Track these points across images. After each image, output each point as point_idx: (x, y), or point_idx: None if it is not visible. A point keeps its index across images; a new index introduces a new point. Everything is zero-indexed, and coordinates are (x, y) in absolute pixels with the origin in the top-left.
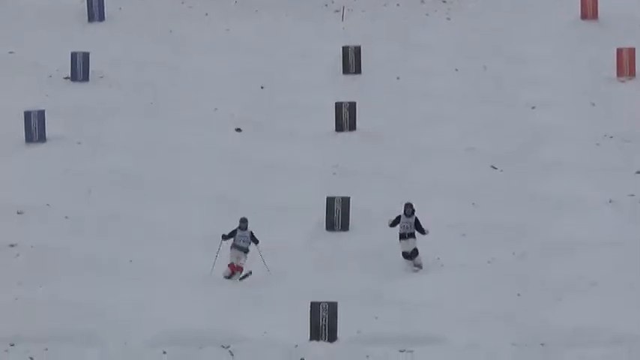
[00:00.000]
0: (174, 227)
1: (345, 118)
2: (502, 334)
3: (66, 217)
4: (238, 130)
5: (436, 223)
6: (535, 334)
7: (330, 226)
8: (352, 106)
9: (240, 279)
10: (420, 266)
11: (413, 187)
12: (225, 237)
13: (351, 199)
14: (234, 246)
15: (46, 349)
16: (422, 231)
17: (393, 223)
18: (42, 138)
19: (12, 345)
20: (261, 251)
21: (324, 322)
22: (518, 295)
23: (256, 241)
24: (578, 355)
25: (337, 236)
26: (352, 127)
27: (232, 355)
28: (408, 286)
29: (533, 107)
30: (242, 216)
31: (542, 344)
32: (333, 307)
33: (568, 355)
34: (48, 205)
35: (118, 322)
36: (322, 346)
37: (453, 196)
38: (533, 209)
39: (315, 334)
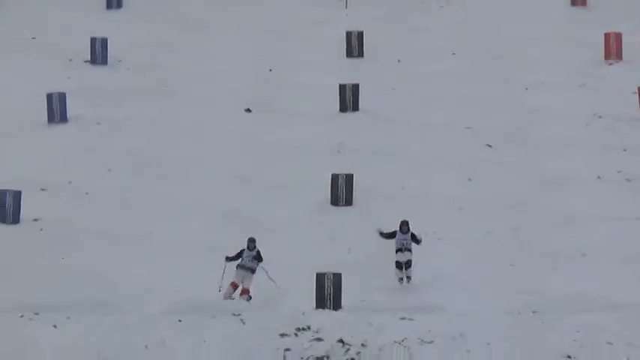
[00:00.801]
0: (189, 202)
1: (349, 98)
2: (498, 303)
3: (86, 193)
4: (248, 110)
5: (435, 198)
6: (529, 302)
7: (335, 201)
8: (355, 88)
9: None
10: (410, 278)
11: (413, 164)
12: (228, 259)
13: (354, 176)
14: (240, 266)
15: (69, 318)
16: (417, 242)
17: (388, 236)
18: (63, 118)
19: (36, 314)
20: (266, 268)
21: (329, 292)
22: (512, 265)
23: (261, 259)
24: (570, 321)
25: (341, 211)
26: (355, 107)
27: (243, 323)
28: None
29: (526, 88)
30: (250, 236)
31: (534, 312)
32: (337, 278)
33: (560, 321)
34: (70, 182)
35: (136, 291)
36: (327, 314)
37: (451, 173)
38: (527, 185)
39: (321, 303)
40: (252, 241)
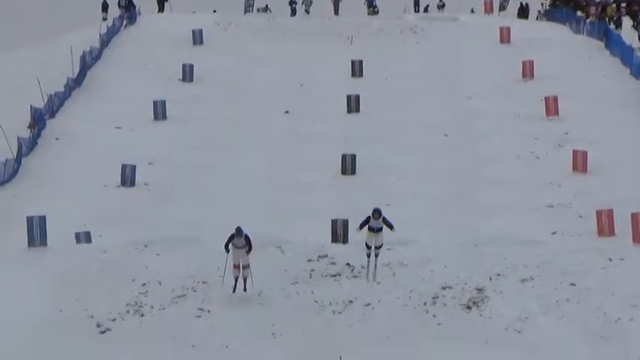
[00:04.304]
0: (247, 171)
1: (353, 104)
2: (451, 238)
3: (179, 166)
4: (287, 112)
5: (411, 171)
6: (472, 238)
7: (344, 171)
8: (357, 97)
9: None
10: (377, 255)
11: (395, 147)
12: (227, 249)
13: (357, 155)
14: (234, 246)
15: (167, 249)
16: (390, 226)
17: (362, 225)
18: (164, 117)
19: (145, 246)
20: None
21: (340, 231)
22: (460, 213)
23: (250, 247)
24: (499, 251)
25: (349, 178)
26: (357, 110)
27: (283, 252)
28: (393, 208)
29: (469, 98)
30: (238, 226)
31: (476, 245)
32: (345, 222)
33: (492, 251)
34: (168, 158)
35: (213, 231)
36: (339, 246)
37: (420, 154)
38: (469, 160)
39: (335, 239)
40: (239, 232)
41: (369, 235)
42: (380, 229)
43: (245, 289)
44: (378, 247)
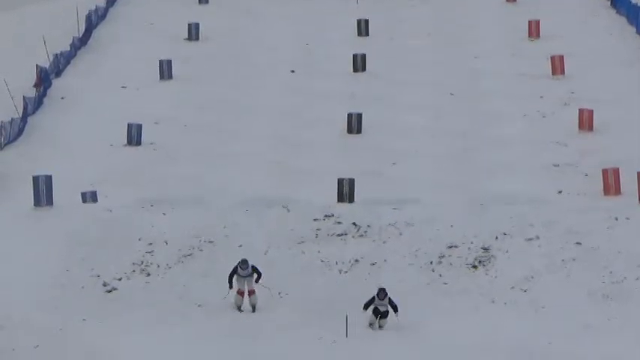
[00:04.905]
0: (252, 130)
1: (359, 63)
2: (457, 197)
3: (185, 125)
4: (292, 71)
5: (417, 129)
6: (477, 197)
7: (350, 130)
8: (363, 56)
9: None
10: (381, 327)
11: (401, 106)
12: (230, 280)
13: (362, 114)
14: (239, 276)
15: (173, 208)
16: (395, 308)
17: (366, 305)
18: (170, 76)
19: (151, 205)
20: (262, 283)
21: (346, 190)
22: (466, 172)
23: (259, 274)
24: (503, 210)
25: (354, 137)
26: (363, 69)
27: (289, 211)
28: (398, 166)
29: (476, 57)
30: (243, 258)
31: (481, 204)
32: (351, 181)
33: (498, 209)
34: (173, 118)
35: (217, 190)
36: (345, 205)
37: (425, 112)
38: (475, 119)
39: (341, 198)
40: (244, 263)
41: (373, 318)
42: (386, 312)
43: (254, 311)
44: (382, 316)
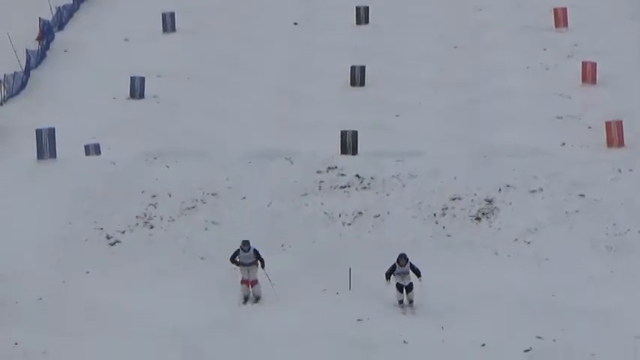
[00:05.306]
0: (255, 83)
1: (362, 15)
2: (461, 150)
3: (188, 78)
4: (295, 24)
5: (420, 82)
6: (481, 149)
7: (353, 83)
8: (366, 8)
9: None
10: (412, 302)
11: (404, 60)
12: (233, 261)
13: (366, 67)
14: (241, 264)
15: (177, 161)
16: (418, 273)
17: (388, 274)
18: (173, 29)
19: (155, 158)
20: (266, 272)
21: (349, 143)
22: (469, 124)
23: (262, 260)
24: (508, 162)
25: (357, 89)
26: (367, 21)
27: (292, 163)
28: (402, 118)
29: (479, 9)
30: (244, 239)
31: (485, 156)
32: (355, 134)
33: (501, 162)
34: (176, 71)
35: (221, 144)
36: (348, 157)
37: (428, 65)
38: (479, 72)
39: (344, 150)
40: (245, 244)
41: (399, 295)
42: (410, 286)
43: (257, 301)
44: (408, 290)
